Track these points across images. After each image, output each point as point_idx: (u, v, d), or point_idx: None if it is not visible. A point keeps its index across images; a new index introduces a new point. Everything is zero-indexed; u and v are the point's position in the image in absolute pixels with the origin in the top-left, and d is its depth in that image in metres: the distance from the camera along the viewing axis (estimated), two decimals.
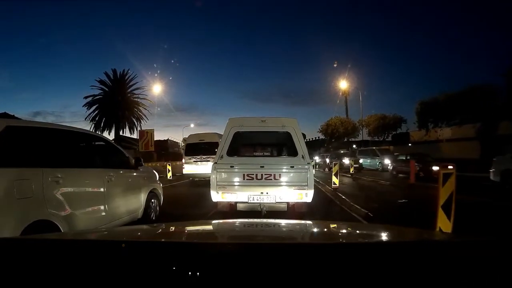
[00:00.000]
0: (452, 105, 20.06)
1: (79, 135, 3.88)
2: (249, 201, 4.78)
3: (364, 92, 29.79)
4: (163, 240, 1.50)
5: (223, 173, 4.91)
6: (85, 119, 30.58)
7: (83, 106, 31.09)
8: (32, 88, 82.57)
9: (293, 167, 4.86)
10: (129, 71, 32.44)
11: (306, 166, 4.81)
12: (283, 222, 2.08)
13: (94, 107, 31.90)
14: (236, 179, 4.87)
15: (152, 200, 5.08)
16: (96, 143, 4.22)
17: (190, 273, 0.82)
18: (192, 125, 55.24)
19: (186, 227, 1.98)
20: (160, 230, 1.92)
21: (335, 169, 9.91)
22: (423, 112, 23.54)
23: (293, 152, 4.98)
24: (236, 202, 4.89)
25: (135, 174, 4.70)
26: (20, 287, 0.88)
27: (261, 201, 4.78)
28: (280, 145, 5.76)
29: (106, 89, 32.26)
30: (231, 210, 4.95)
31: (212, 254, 0.95)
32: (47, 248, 1.07)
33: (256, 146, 6.06)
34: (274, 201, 4.77)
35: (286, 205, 4.81)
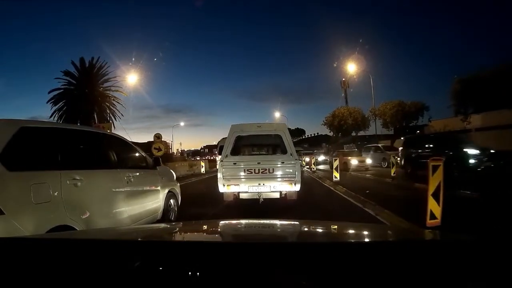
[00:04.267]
0: (504, 82, 14.21)
1: (96, 135, 3.85)
2: (249, 191, 5.96)
3: (372, 77, 24.05)
4: (163, 240, 1.50)
5: (228, 169, 6.02)
6: (50, 117, 27.83)
7: (47, 103, 28.31)
8: (28, 94, 79.64)
9: (283, 162, 6.01)
10: (100, 59, 29.60)
11: (293, 162, 5.99)
12: (285, 222, 2.15)
13: (62, 103, 26.95)
14: (238, 173, 5.99)
15: (171, 201, 5.12)
16: (114, 143, 4.12)
17: (190, 273, 0.84)
18: (182, 124, 53.58)
19: (187, 227, 2.03)
20: (163, 230, 2.03)
21: (434, 184, 4.16)
22: (462, 93, 17.50)
23: (283, 151, 6.15)
24: (239, 192, 6.05)
25: (153, 174, 4.72)
26: (19, 286, 0.90)
27: (259, 191, 5.94)
28: (273, 145, 6.78)
29: (73, 81, 27.18)
30: (235, 199, 6.13)
31: (212, 254, 0.96)
32: (45, 248, 1.10)
33: (254, 147, 7.16)
34: (269, 190, 5.94)
35: (279, 193, 5.97)
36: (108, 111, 29.16)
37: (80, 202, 3.00)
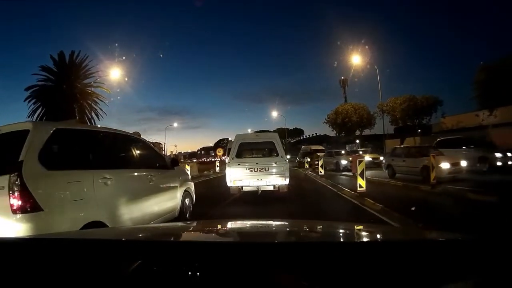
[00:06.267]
0: None
1: (122, 137, 4.15)
2: (250, 185, 7.74)
3: (378, 69, 21.43)
4: (164, 240, 1.49)
5: (234, 169, 7.76)
6: (28, 117, 25.12)
7: (24, 101, 25.67)
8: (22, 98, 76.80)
9: (276, 163, 7.74)
10: (81, 53, 26.71)
11: (283, 162, 7.81)
12: (286, 222, 2.25)
13: (37, 100, 24.40)
14: (242, 171, 7.72)
15: (186, 199, 5.45)
16: (137, 144, 4.35)
17: (190, 273, 0.84)
18: (175, 125, 55.66)
19: (188, 227, 2.08)
20: (164, 229, 2.08)
21: None
22: (488, 83, 14.70)
23: (276, 154, 7.93)
24: (242, 186, 7.80)
25: (171, 174, 5.02)
26: (19, 286, 0.92)
27: (258, 185, 7.73)
28: (268, 149, 8.32)
29: (52, 77, 23.93)
30: (239, 192, 7.94)
31: (212, 254, 0.96)
32: (46, 248, 1.10)
33: (253, 151, 8.57)
34: (265, 184, 7.67)
35: (273, 186, 7.73)
36: (89, 109, 26.12)
37: (109, 199, 3.20)
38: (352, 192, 8.21)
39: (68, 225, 2.59)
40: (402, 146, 14.01)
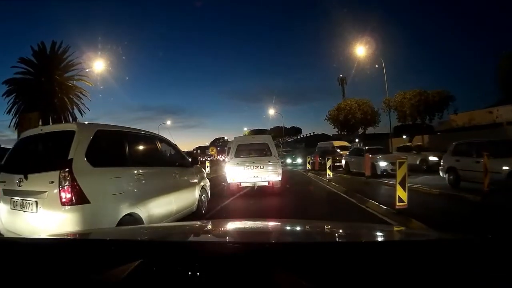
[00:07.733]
0: None
1: (152, 137, 4.49)
2: (247, 181, 8.98)
3: (384, 62, 19.47)
4: (164, 240, 1.51)
5: (233, 167, 9.01)
6: (6, 112, 23.76)
7: (2, 96, 24.05)
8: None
9: (270, 161, 8.91)
10: (62, 44, 24.72)
11: (276, 161, 9.00)
12: (286, 222, 2.26)
13: (13, 95, 24.02)
14: (240, 169, 8.91)
15: (203, 195, 5.81)
16: (163, 144, 4.73)
17: (190, 273, 0.84)
18: (168, 122, 54.52)
19: (188, 227, 2.08)
20: (165, 229, 2.11)
21: None
22: None
23: (269, 154, 9.10)
24: (240, 182, 9.08)
25: (191, 171, 5.41)
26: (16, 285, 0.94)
27: (254, 181, 8.94)
28: (262, 150, 9.40)
29: (32, 70, 24.55)
30: (238, 187, 9.21)
31: (212, 254, 0.96)
32: (47, 248, 1.12)
33: (250, 151, 9.57)
34: (261, 180, 8.91)
35: (267, 182, 8.98)
36: (70, 104, 23.75)
37: (143, 194, 3.47)
38: (384, 207, 5.69)
39: (110, 216, 2.89)
40: (474, 140, 8.78)
